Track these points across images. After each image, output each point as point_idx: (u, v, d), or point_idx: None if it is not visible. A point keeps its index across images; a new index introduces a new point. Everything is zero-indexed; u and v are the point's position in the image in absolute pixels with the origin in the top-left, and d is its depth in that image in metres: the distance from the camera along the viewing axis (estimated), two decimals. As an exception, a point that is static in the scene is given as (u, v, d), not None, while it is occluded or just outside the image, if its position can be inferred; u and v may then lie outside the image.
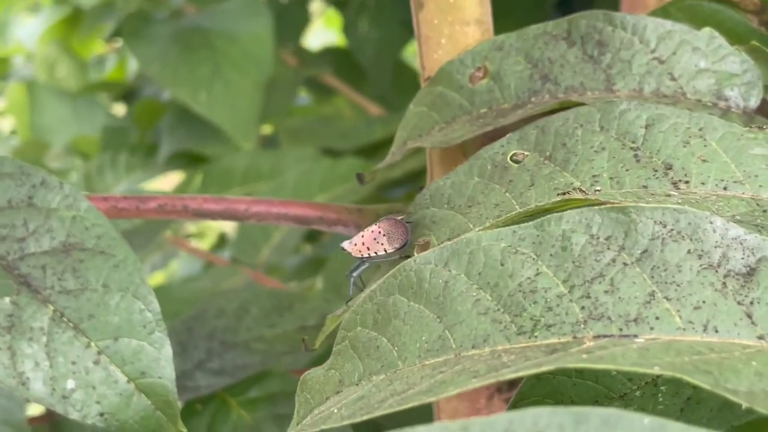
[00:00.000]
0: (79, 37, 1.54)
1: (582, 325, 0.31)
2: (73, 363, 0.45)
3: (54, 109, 1.44)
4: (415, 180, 1.39)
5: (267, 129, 1.48)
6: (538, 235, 0.33)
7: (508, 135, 0.42)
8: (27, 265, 0.46)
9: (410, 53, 1.69)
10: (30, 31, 1.49)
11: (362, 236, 0.46)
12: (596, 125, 0.40)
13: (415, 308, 0.34)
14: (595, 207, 0.32)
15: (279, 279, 1.32)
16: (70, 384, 0.45)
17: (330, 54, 1.48)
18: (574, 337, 0.31)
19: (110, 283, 0.46)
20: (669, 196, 0.36)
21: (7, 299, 0.45)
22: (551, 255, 0.32)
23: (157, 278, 1.32)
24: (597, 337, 0.30)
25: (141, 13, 1.17)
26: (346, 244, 0.46)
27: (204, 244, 1.53)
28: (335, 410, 0.33)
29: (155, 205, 0.52)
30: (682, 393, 0.34)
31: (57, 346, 0.45)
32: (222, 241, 1.47)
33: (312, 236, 1.34)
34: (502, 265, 0.33)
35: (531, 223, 0.33)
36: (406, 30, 1.42)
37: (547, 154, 0.40)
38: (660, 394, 0.35)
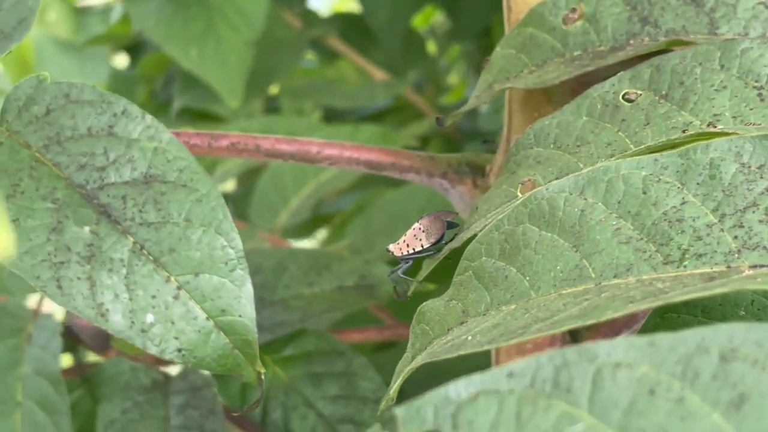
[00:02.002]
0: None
1: (736, 255, 0.30)
2: (153, 297, 0.44)
3: (59, 62, 1.41)
4: (424, 146, 1.38)
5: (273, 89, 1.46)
6: (682, 164, 0.32)
7: (618, 74, 0.41)
8: (107, 195, 0.45)
9: (420, 20, 1.67)
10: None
11: (405, 235, 0.47)
12: (716, 63, 0.39)
13: (547, 237, 0.33)
14: (745, 135, 0.31)
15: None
16: (150, 318, 0.44)
17: (338, 18, 1.46)
18: (728, 267, 0.30)
19: (192, 218, 0.45)
20: (804, 133, 0.35)
21: (86, 228, 0.44)
22: (698, 183, 0.31)
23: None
24: (753, 266, 0.29)
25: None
26: (391, 247, 0.47)
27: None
28: (469, 338, 0.32)
29: (227, 143, 0.51)
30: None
31: (137, 278, 0.44)
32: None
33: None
34: (644, 193, 0.32)
35: (674, 151, 0.32)
36: (419, -6, 1.41)
37: (663, 92, 0.39)
38: (793, 334, 0.34)
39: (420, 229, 0.46)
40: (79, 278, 0.43)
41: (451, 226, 0.45)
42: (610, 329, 0.54)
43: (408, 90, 1.38)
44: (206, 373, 0.71)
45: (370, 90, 1.33)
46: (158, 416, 0.68)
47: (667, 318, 0.35)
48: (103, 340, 0.72)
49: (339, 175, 1.07)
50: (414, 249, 0.46)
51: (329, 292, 0.76)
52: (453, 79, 1.76)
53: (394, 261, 0.48)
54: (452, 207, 0.55)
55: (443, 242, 0.45)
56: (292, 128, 1.19)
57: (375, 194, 1.21)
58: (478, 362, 0.84)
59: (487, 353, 0.59)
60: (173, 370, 0.74)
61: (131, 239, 0.44)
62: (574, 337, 0.56)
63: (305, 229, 1.40)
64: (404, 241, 0.46)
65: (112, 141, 0.45)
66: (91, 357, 0.78)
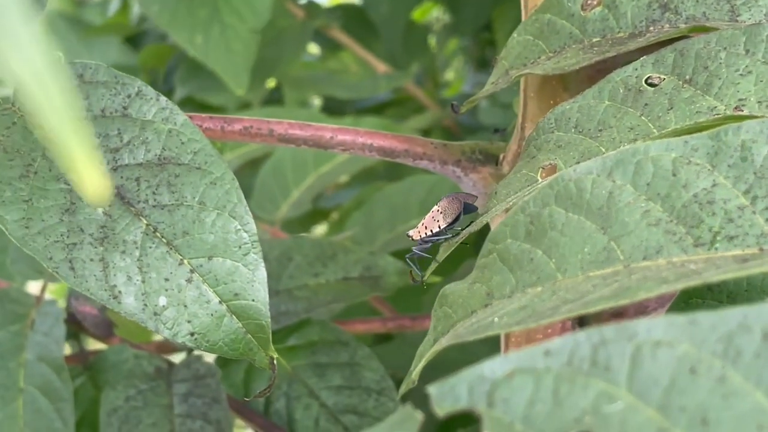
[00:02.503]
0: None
1: (768, 237, 0.30)
2: (166, 280, 0.44)
3: (68, 41, 1.40)
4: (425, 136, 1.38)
5: (271, 82, 1.46)
6: (713, 146, 0.31)
7: (641, 58, 0.41)
8: (120, 176, 0.44)
9: (419, 14, 1.67)
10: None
11: (424, 218, 0.47)
12: (741, 48, 0.38)
13: (574, 219, 0.33)
14: (777, 118, 0.31)
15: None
16: (162, 301, 0.43)
17: (340, 9, 1.46)
18: (761, 249, 0.29)
19: (206, 201, 0.44)
20: (832, 118, 0.35)
21: (100, 210, 0.43)
22: (729, 166, 0.31)
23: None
24: (787, 248, 0.29)
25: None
26: (410, 231, 0.48)
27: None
28: (495, 319, 0.31)
29: (240, 127, 0.50)
30: None
31: (150, 261, 0.43)
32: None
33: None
34: (674, 175, 0.32)
35: (704, 133, 0.32)
36: (421, -12, 1.41)
37: (687, 77, 0.39)
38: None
39: (438, 210, 0.46)
40: (92, 260, 0.43)
41: (468, 209, 0.45)
42: (618, 318, 0.53)
43: (408, 83, 1.37)
44: (210, 361, 0.71)
45: (373, 82, 1.32)
46: (162, 404, 0.68)
47: (692, 303, 0.35)
48: (106, 328, 0.72)
49: (340, 166, 1.07)
50: (432, 230, 0.46)
51: (334, 283, 0.76)
52: (449, 75, 1.76)
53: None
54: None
55: (460, 223, 0.45)
56: (293, 119, 1.19)
57: (375, 188, 1.20)
58: (479, 354, 0.84)
59: (491, 346, 0.59)
60: (176, 359, 0.73)
61: (144, 221, 0.44)
62: (583, 326, 0.56)
63: (303, 223, 1.40)
64: (423, 224, 0.46)
65: (126, 122, 0.45)
66: (94, 344, 0.77)
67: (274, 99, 1.49)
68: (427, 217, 0.47)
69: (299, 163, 1.07)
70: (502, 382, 0.25)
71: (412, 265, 0.47)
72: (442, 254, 0.43)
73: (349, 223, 1.07)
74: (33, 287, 0.83)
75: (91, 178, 0.16)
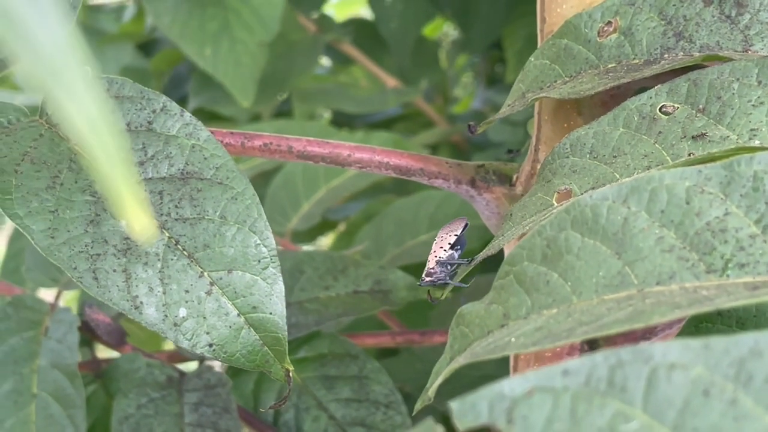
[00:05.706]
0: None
1: (779, 265, 0.31)
2: (187, 291, 0.45)
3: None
4: (433, 154, 1.39)
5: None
6: (726, 176, 0.32)
7: (656, 87, 0.42)
8: (144, 189, 0.45)
9: (430, 30, 1.68)
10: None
11: (428, 258, 0.48)
12: (754, 80, 0.39)
13: (589, 244, 0.34)
14: (789, 150, 0.32)
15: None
16: (182, 312, 0.44)
17: (352, 24, 1.47)
18: (771, 277, 0.30)
19: (227, 215, 0.45)
20: (841, 150, 0.36)
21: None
22: (741, 195, 0.32)
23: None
24: (796, 277, 0.30)
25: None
26: (424, 275, 0.48)
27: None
28: (512, 339, 0.32)
29: (260, 144, 0.51)
30: None
31: (171, 273, 0.44)
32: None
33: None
34: (687, 203, 0.33)
35: (717, 163, 0.33)
36: (431, 5, 1.42)
37: (700, 107, 0.40)
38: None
39: (441, 237, 0.47)
40: (114, 270, 0.44)
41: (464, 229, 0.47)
42: (627, 339, 0.54)
43: (418, 98, 1.38)
44: (221, 371, 0.72)
45: (382, 96, 1.33)
46: (172, 413, 0.69)
47: (702, 328, 0.36)
48: (119, 336, 0.73)
49: (351, 180, 1.08)
50: (441, 256, 0.47)
51: (344, 296, 0.76)
52: (458, 90, 1.77)
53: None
54: (476, 215, 0.56)
55: (466, 230, 0.47)
56: (303, 133, 1.20)
57: (384, 201, 1.21)
58: (488, 371, 0.84)
59: (498, 363, 0.60)
60: (187, 368, 0.74)
61: (167, 234, 0.45)
62: (592, 346, 0.56)
63: (310, 233, 1.41)
64: (431, 259, 0.48)
65: (151, 137, 0.46)
66: (105, 352, 0.78)
67: (282, 110, 1.50)
68: (431, 254, 0.48)
69: (310, 177, 1.09)
70: (522, 399, 0.25)
71: (432, 287, 0.48)
72: (460, 274, 0.44)
73: (358, 237, 1.08)
74: (44, 293, 0.85)
75: (140, 221, 0.17)
